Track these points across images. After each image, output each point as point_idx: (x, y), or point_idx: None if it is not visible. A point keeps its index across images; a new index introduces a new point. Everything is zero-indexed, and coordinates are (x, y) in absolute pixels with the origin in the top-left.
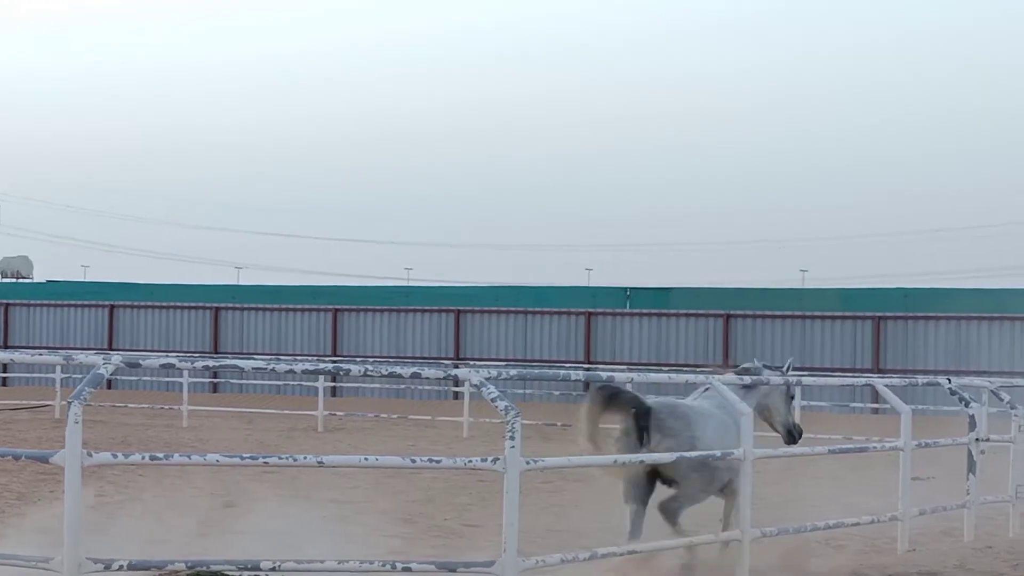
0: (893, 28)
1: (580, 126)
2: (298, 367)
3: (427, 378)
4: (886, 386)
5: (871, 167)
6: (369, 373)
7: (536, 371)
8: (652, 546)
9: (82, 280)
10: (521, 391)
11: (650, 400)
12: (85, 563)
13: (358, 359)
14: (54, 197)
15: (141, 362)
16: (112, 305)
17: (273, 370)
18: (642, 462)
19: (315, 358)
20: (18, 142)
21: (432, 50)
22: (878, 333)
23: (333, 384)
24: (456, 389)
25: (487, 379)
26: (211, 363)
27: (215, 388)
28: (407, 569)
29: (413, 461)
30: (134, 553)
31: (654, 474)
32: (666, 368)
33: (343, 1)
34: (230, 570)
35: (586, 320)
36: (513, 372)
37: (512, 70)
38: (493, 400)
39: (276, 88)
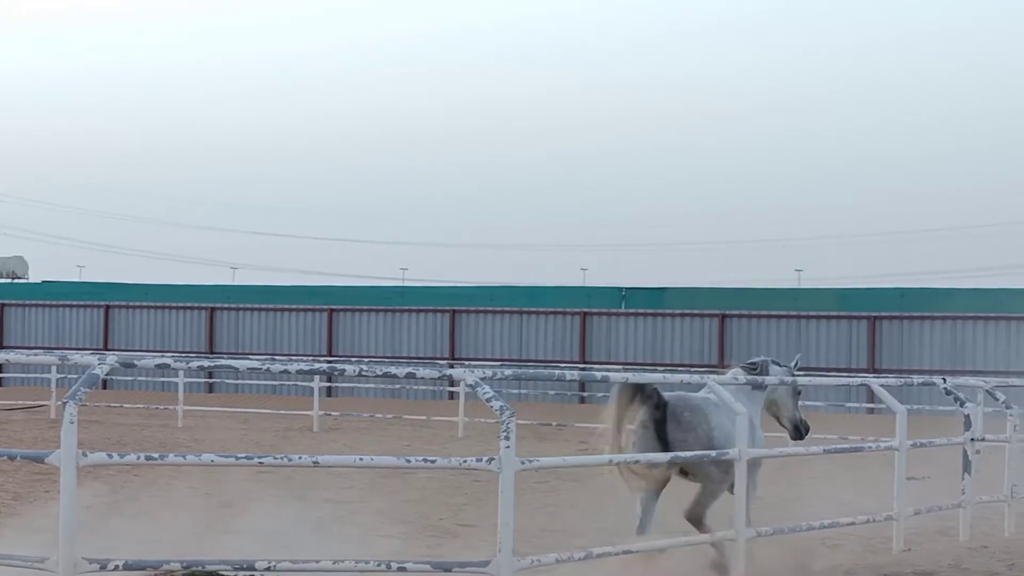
0: (893, 28)
1: (580, 126)
2: (293, 367)
3: (422, 378)
4: (882, 386)
5: (869, 167)
6: (364, 373)
7: (531, 371)
8: (647, 546)
9: (77, 280)
10: (516, 391)
11: (667, 394)
12: (81, 563)
13: (353, 359)
14: (51, 197)
15: (136, 362)
16: (107, 305)
17: (268, 370)
18: (636, 461)
19: (310, 358)
20: (18, 142)
21: (432, 50)
22: (874, 333)
23: (328, 384)
24: (451, 389)
25: (482, 379)
26: (206, 363)
27: (210, 388)
28: (402, 569)
29: (408, 461)
30: (130, 553)
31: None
32: (661, 368)
33: (343, 1)
34: (225, 570)
35: (581, 320)
36: (508, 372)
37: (512, 70)
38: (488, 400)
39: (276, 88)
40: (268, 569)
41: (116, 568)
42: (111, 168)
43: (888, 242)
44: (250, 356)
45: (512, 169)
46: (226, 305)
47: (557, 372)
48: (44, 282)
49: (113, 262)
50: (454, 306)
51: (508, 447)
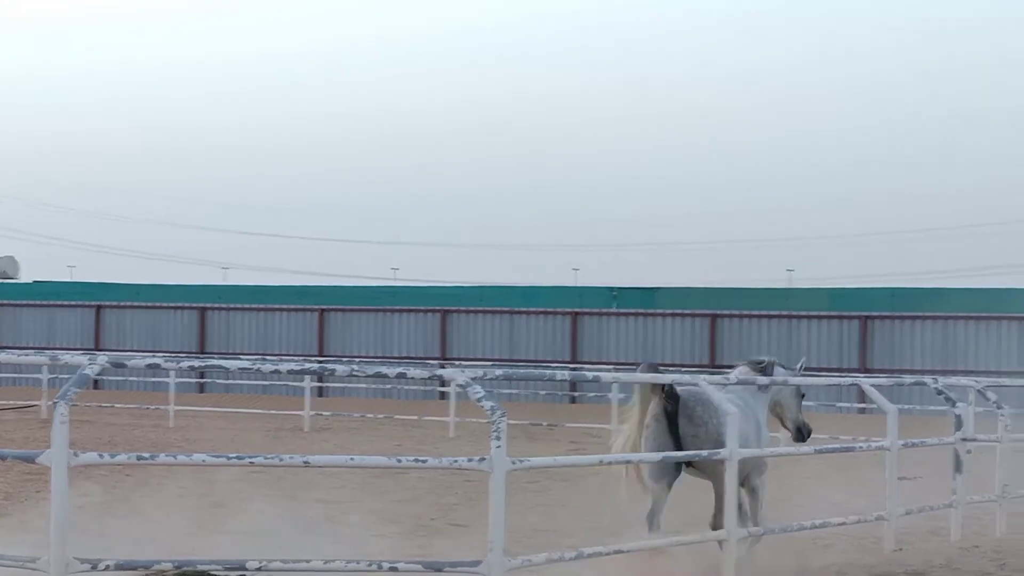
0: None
1: (580, 126)
2: (284, 367)
3: (413, 378)
4: (873, 386)
5: (865, 167)
6: (355, 373)
7: (522, 371)
8: (639, 545)
9: (68, 280)
10: (507, 391)
11: (681, 388)
12: (72, 563)
13: (344, 359)
14: (43, 197)
15: (127, 362)
16: (98, 305)
17: (259, 370)
18: (628, 461)
19: (301, 358)
20: (18, 142)
21: (432, 50)
22: (865, 333)
23: (319, 384)
24: (442, 389)
25: (473, 379)
26: (197, 363)
27: (201, 388)
28: (393, 569)
29: (399, 461)
30: (121, 553)
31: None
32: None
33: (343, 1)
34: (216, 570)
35: (572, 320)
36: (499, 372)
37: (512, 70)
38: (479, 400)
39: (276, 88)
40: (259, 569)
41: (107, 568)
42: (111, 168)
43: (881, 242)
44: (241, 356)
45: (511, 169)
46: (217, 305)
47: (548, 372)
48: (35, 282)
49: (104, 262)
50: (445, 306)
51: (499, 447)
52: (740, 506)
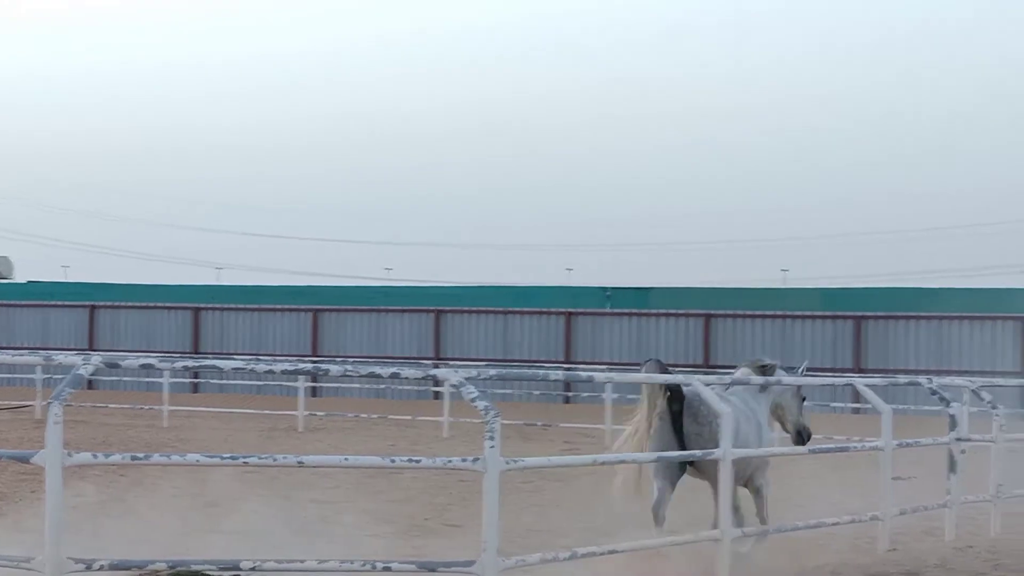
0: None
1: (579, 126)
2: (278, 367)
3: (407, 378)
4: (867, 386)
5: (866, 167)
6: (349, 373)
7: (516, 371)
8: (633, 545)
9: (63, 280)
10: (501, 391)
11: (687, 387)
12: (66, 563)
13: (338, 359)
14: (38, 198)
15: (121, 362)
16: (92, 305)
17: (253, 370)
18: (622, 461)
19: (295, 358)
20: (18, 142)
21: (432, 50)
22: (859, 333)
23: (313, 384)
24: (436, 389)
25: (467, 379)
26: (191, 363)
27: (195, 388)
28: (387, 569)
29: (393, 461)
30: (115, 553)
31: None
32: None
33: (343, 1)
34: (211, 570)
35: (566, 320)
36: (493, 372)
37: (512, 70)
38: (473, 400)
39: (276, 88)
40: (253, 569)
41: (102, 568)
42: (110, 168)
43: (880, 242)
44: (235, 356)
45: (510, 169)
46: (211, 305)
47: (542, 372)
48: (29, 282)
49: (98, 262)
50: (439, 306)
51: (493, 447)
52: (738, 507)
